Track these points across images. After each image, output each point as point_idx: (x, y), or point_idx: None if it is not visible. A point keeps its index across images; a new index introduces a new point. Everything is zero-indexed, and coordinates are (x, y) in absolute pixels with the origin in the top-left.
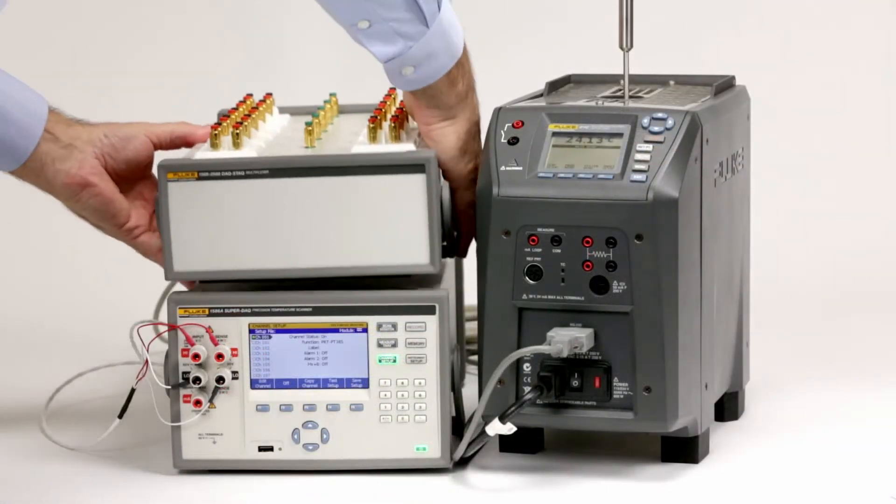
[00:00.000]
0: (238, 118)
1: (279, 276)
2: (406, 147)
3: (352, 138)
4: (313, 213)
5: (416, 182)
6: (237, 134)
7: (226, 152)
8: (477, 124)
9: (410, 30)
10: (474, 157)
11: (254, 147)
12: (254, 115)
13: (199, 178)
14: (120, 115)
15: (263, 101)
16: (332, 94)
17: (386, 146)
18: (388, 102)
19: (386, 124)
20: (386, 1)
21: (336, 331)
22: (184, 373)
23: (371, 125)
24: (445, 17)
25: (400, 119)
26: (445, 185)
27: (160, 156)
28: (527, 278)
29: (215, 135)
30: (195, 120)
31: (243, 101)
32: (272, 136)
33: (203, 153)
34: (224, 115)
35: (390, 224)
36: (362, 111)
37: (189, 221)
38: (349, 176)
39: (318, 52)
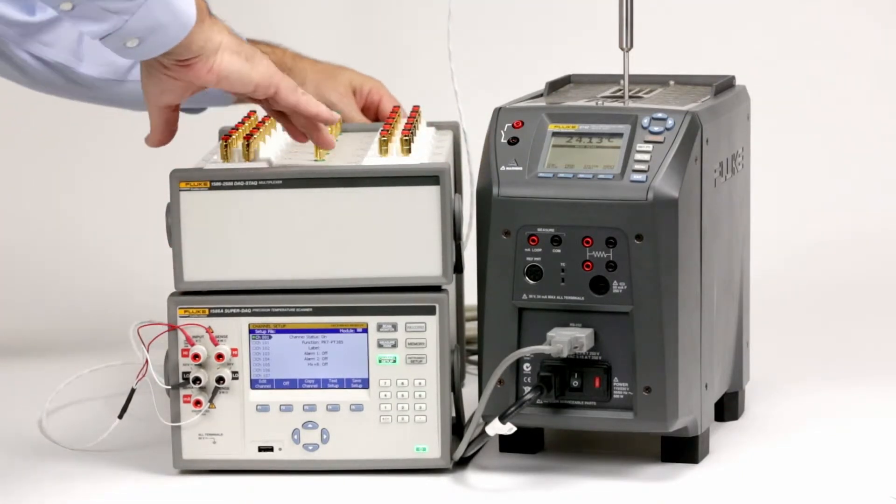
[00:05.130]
0: (246, 131)
1: (291, 287)
2: (418, 159)
3: (360, 153)
4: (326, 225)
5: (430, 194)
6: (248, 145)
7: (237, 163)
8: (226, 33)
9: (120, 5)
10: (256, 56)
11: (264, 159)
12: (261, 129)
13: (212, 188)
14: (114, 126)
15: (268, 116)
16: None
17: (397, 158)
18: (395, 117)
19: (396, 137)
20: None
21: (336, 331)
22: (184, 373)
23: (382, 138)
24: None
25: (410, 132)
26: (458, 197)
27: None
28: (527, 278)
29: (226, 146)
30: (195, 138)
31: (248, 117)
32: (279, 150)
33: (214, 164)
34: (226, 135)
35: (403, 235)
36: (363, 130)
37: (201, 231)
38: (362, 187)
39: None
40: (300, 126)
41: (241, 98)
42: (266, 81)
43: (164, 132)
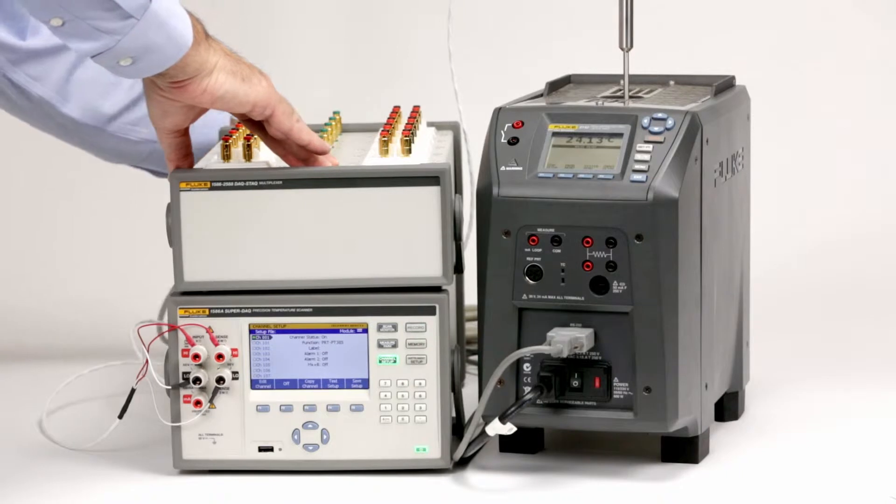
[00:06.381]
0: (247, 132)
1: (291, 287)
2: (419, 160)
3: (360, 153)
4: (326, 225)
5: (430, 194)
6: (248, 146)
7: (237, 164)
8: (224, 55)
9: (112, 25)
10: (253, 76)
11: (264, 160)
12: None
13: (212, 189)
14: None
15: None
16: (336, 113)
17: (398, 159)
18: (395, 118)
19: (397, 138)
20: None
21: (336, 331)
22: (184, 373)
23: (383, 138)
24: (162, 7)
25: (411, 133)
26: (458, 197)
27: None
28: (527, 278)
29: (226, 146)
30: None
31: None
32: None
33: (214, 164)
34: (226, 135)
35: (403, 236)
36: (364, 130)
37: (201, 231)
38: (363, 188)
39: (312, 72)
40: (294, 153)
41: (241, 119)
42: (263, 102)
43: (177, 158)
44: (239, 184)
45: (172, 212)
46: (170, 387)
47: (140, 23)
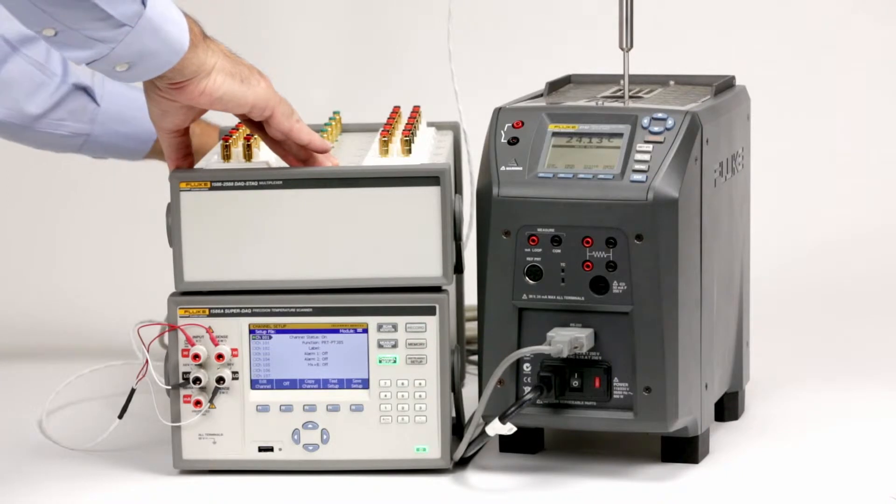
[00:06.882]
0: (247, 132)
1: (291, 287)
2: (419, 160)
3: (360, 153)
4: (326, 225)
5: (430, 194)
6: (248, 146)
7: (237, 164)
8: (224, 56)
9: (105, 34)
10: (252, 78)
11: (264, 160)
12: None
13: (212, 189)
14: None
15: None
16: (336, 113)
17: (398, 159)
18: (395, 118)
19: (397, 138)
20: (69, 11)
21: (336, 331)
22: (184, 373)
23: (383, 138)
24: (157, 13)
25: (411, 133)
26: (458, 197)
27: None
28: (527, 278)
29: (226, 146)
30: None
31: None
32: None
33: (214, 164)
34: (226, 135)
35: (403, 236)
36: (364, 130)
37: (201, 231)
38: (363, 188)
39: (312, 72)
40: (294, 153)
41: (241, 119)
42: (262, 103)
43: (177, 158)
44: (239, 184)
45: (172, 212)
46: (170, 387)
47: (134, 30)
